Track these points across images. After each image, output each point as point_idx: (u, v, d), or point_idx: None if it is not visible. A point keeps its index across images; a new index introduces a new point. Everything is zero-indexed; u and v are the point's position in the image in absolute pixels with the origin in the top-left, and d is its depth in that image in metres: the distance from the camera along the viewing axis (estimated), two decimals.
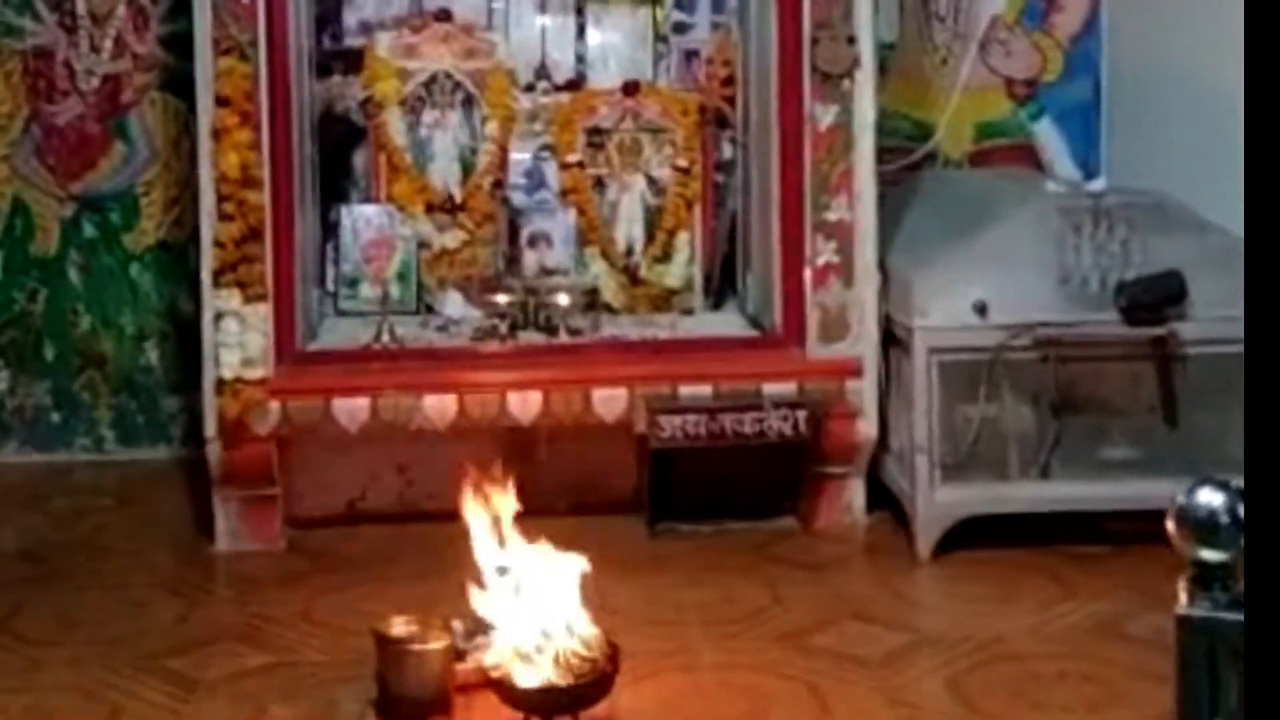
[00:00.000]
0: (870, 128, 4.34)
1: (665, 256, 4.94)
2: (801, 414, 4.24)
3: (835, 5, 4.29)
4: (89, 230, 5.21)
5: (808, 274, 4.34)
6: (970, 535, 4.15)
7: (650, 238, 4.96)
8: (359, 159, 5.03)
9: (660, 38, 5.18)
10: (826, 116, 4.31)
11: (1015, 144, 5.30)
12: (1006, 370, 4.11)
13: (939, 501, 4.14)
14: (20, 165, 5.16)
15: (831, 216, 4.33)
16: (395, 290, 4.85)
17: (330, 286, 4.90)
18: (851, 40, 4.29)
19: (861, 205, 4.33)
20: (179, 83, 4.90)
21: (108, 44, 5.16)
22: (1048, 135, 5.30)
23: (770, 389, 4.30)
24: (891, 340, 4.34)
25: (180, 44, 4.67)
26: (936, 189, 4.82)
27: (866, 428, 4.35)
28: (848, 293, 4.33)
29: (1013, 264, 4.10)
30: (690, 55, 5.17)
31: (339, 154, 5.02)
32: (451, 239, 4.93)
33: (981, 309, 4.08)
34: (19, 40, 5.12)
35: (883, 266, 4.36)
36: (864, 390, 4.32)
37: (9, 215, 5.17)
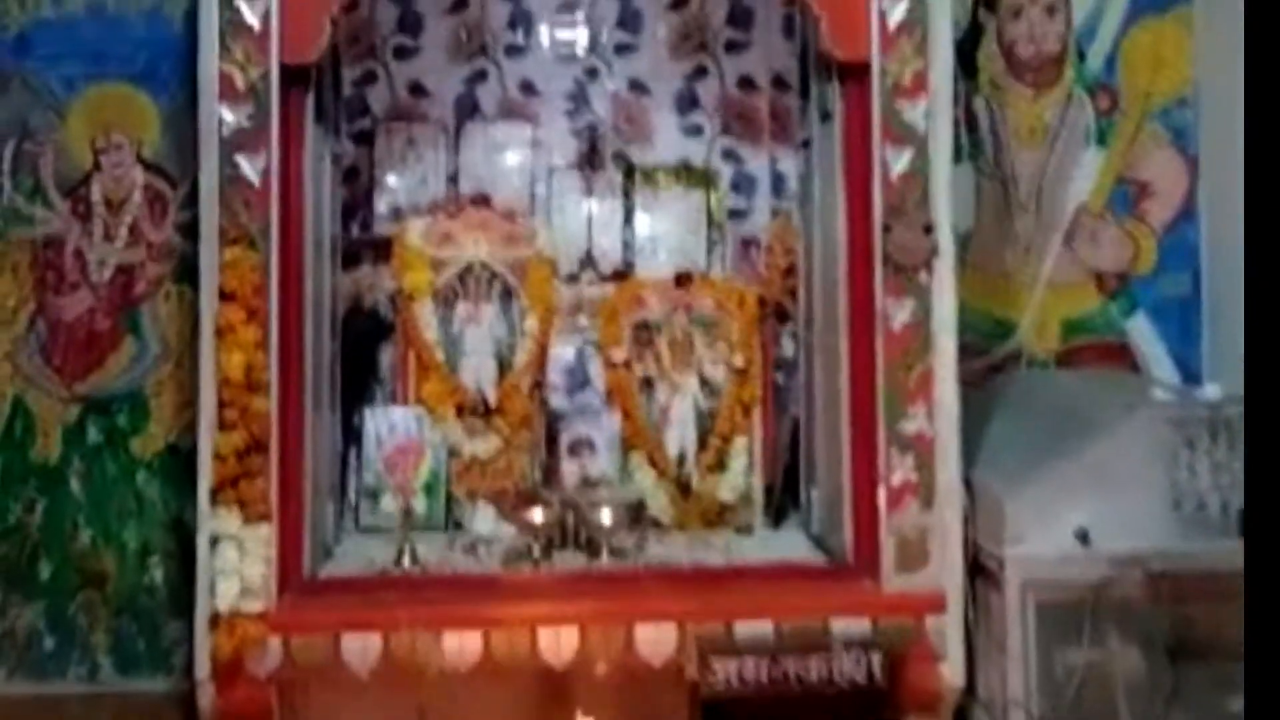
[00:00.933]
0: (951, 326, 3.76)
1: (720, 466, 4.42)
2: (875, 657, 3.59)
3: (910, 189, 3.75)
4: (93, 435, 4.72)
5: (882, 494, 3.73)
6: None
7: (703, 445, 4.44)
8: (386, 356, 4.59)
9: (715, 224, 4.72)
10: (901, 313, 3.74)
11: (1107, 342, 4.72)
12: (1113, 608, 3.47)
13: None
14: (23, 363, 4.69)
15: (909, 428, 3.73)
16: (421, 504, 4.33)
17: (351, 498, 4.37)
18: (929, 228, 3.74)
19: (942, 415, 3.73)
20: (197, 273, 4.37)
21: (123, 232, 4.72)
22: (1143, 333, 4.72)
23: (840, 626, 3.66)
24: (979, 571, 3.71)
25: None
26: (1023, 393, 4.23)
27: (950, 673, 3.68)
28: (928, 515, 3.71)
29: (1119, 484, 3.48)
30: (748, 243, 4.72)
31: (364, 351, 4.58)
32: (484, 446, 4.43)
33: (1084, 537, 3.47)
34: (28, 229, 4.69)
35: (967, 485, 3.75)
36: (947, 629, 3.67)
37: (9, 418, 4.68)
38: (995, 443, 3.88)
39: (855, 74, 3.83)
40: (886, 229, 3.75)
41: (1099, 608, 3.46)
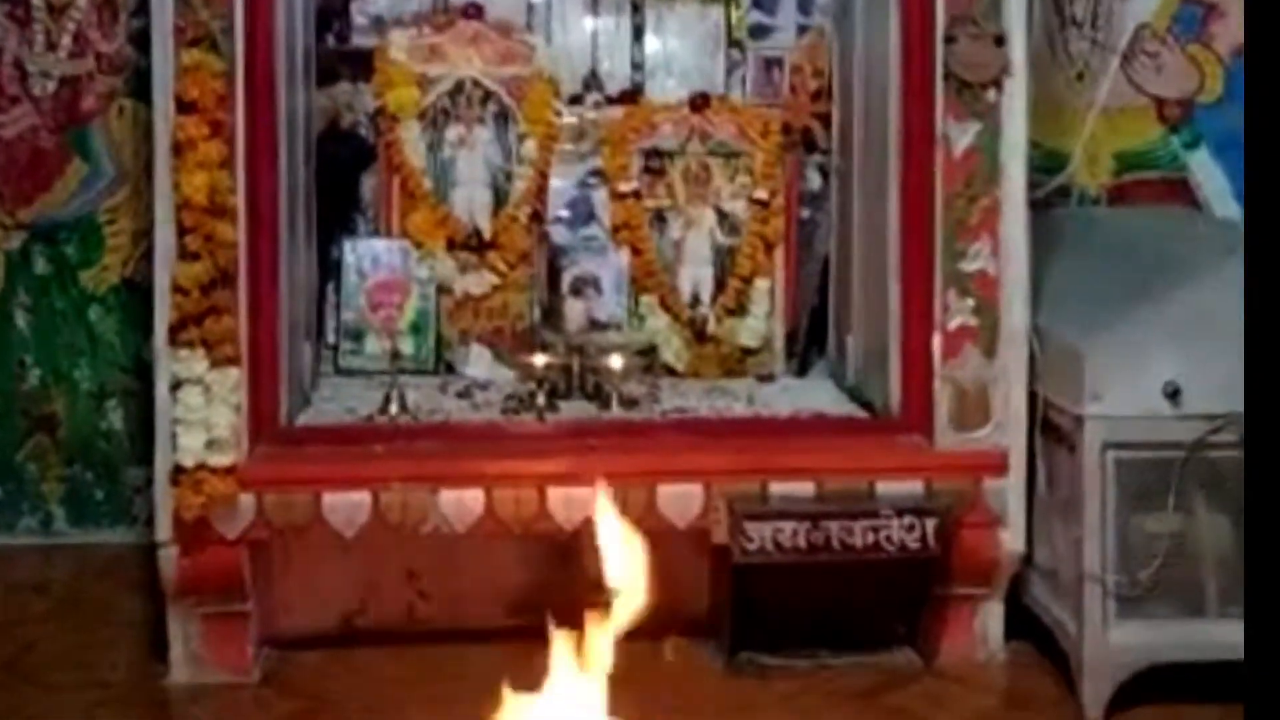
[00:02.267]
0: (1022, 152, 3.17)
1: (739, 309, 3.86)
2: (929, 522, 3.07)
3: None
4: (40, 265, 4.06)
5: (937, 340, 3.17)
6: (1155, 686, 2.99)
7: (721, 286, 3.86)
8: (368, 183, 3.97)
9: (734, 43, 4.08)
10: (964, 137, 3.14)
11: (1165, 177, 4.13)
12: (1204, 472, 2.95)
13: (1114, 644, 2.97)
14: None
15: (969, 267, 3.15)
16: (408, 345, 3.75)
17: (330, 339, 3.80)
18: (1000, 40, 3.13)
19: (1009, 253, 3.16)
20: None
21: (66, 40, 4.02)
22: (1205, 168, 4.12)
23: (887, 489, 3.13)
24: (1046, 429, 3.16)
25: None
26: (1080, 231, 3.66)
27: (1010, 540, 3.17)
28: (989, 366, 3.15)
29: (1214, 334, 2.90)
30: (771, 64, 4.06)
31: (343, 177, 3.94)
32: (478, 283, 3.86)
33: (1174, 393, 2.93)
34: None
35: (1035, 333, 3.20)
36: (1008, 492, 3.15)
37: None
38: (1058, 287, 3.31)
39: None
40: (950, 40, 3.13)
41: (1188, 471, 2.93)
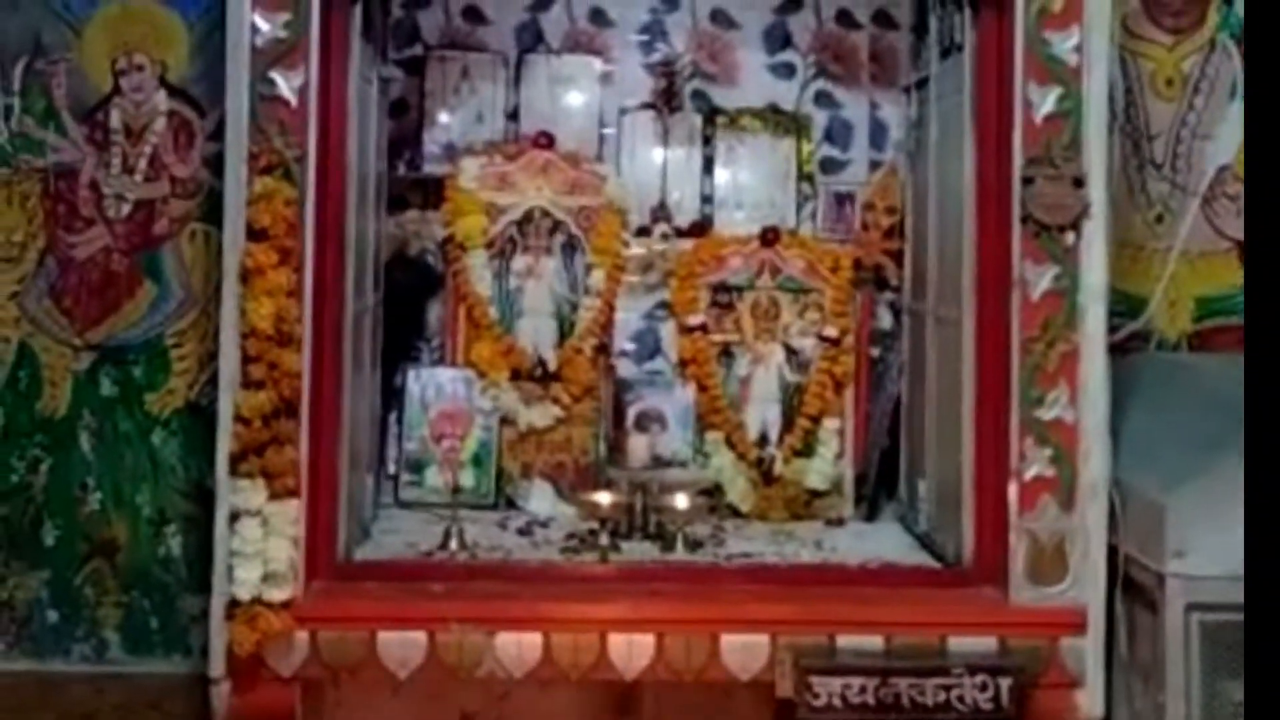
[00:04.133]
0: (1102, 296, 3.10)
1: (807, 450, 3.79)
2: (1003, 682, 2.95)
3: (1058, 133, 3.07)
4: (106, 387, 4.07)
5: (1013, 490, 3.07)
6: None
7: (789, 425, 3.79)
8: (433, 311, 3.97)
9: (805, 176, 4.05)
10: (1042, 280, 3.08)
11: None
12: None
13: None
14: (30, 306, 4.05)
15: (1046, 414, 3.06)
16: (469, 478, 3.71)
17: (391, 469, 3.75)
18: (1079, 182, 3.07)
19: (1088, 401, 3.07)
20: None
21: (143, 164, 4.06)
22: None
23: (960, 644, 3.02)
24: (1126, 587, 3.05)
25: None
26: (1159, 379, 3.56)
27: (1088, 703, 3.04)
28: (1067, 518, 3.05)
29: None
30: (843, 199, 4.03)
31: (409, 305, 3.94)
32: (541, 415, 3.83)
33: None
34: (38, 156, 4.04)
35: (1115, 485, 3.09)
36: (1086, 651, 3.03)
37: (13, 365, 4.04)
38: (1139, 437, 3.22)
39: (992, 0, 3.17)
40: (1028, 181, 3.08)
41: None
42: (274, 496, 3.03)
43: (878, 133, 4.04)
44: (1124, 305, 3.82)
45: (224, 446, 3.06)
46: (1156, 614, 2.90)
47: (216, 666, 3.04)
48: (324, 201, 3.14)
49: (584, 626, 3.03)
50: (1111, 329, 3.50)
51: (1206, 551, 2.85)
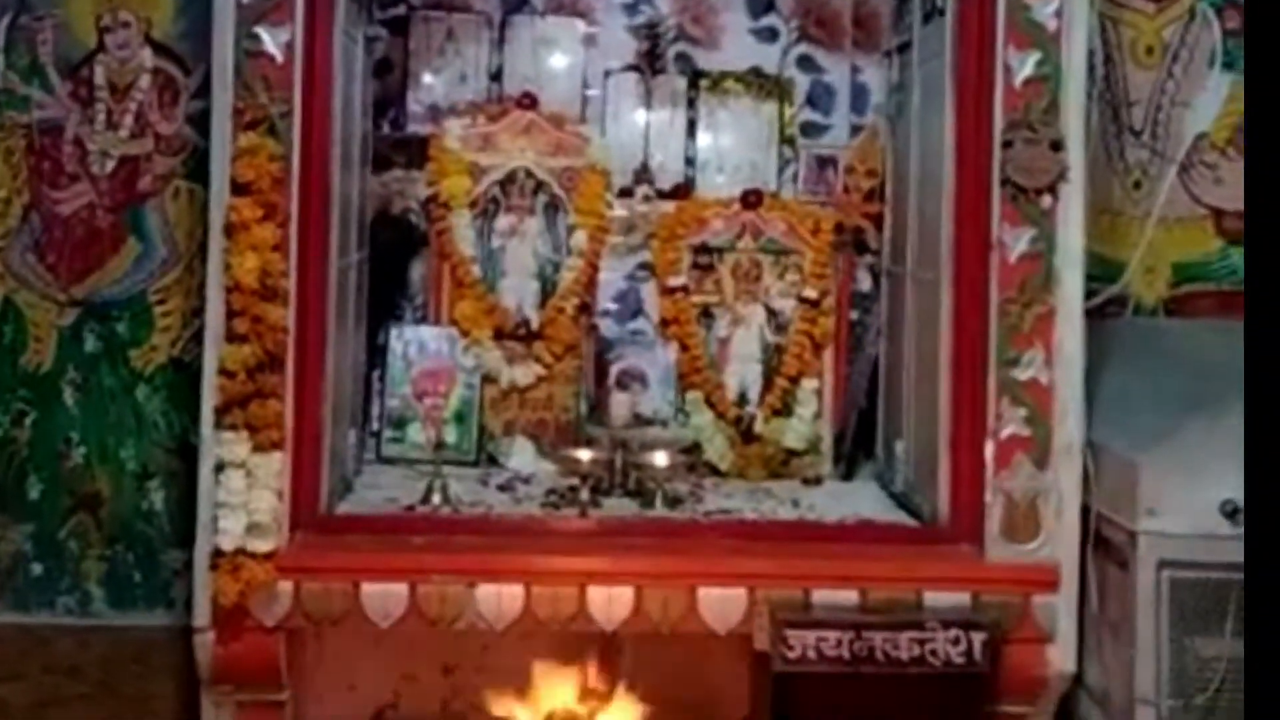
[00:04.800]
0: (1078, 260, 3.12)
1: (786, 409, 3.82)
2: (976, 637, 2.99)
3: (1037, 97, 3.10)
4: (91, 343, 4.04)
5: (989, 449, 3.10)
6: None
7: (768, 385, 3.81)
8: (417, 269, 3.97)
9: (787, 140, 4.07)
10: (1019, 243, 3.10)
11: (1224, 290, 4.03)
12: None
13: None
14: (14, 261, 4.02)
15: (1022, 375, 3.10)
16: (451, 434, 3.72)
17: (374, 425, 3.76)
18: (1057, 145, 3.10)
19: (1063, 362, 3.10)
20: (210, 171, 3.72)
21: (128, 120, 4.04)
22: None
23: (934, 599, 3.05)
24: (1099, 545, 3.09)
25: None
26: (1135, 344, 3.59)
27: (1060, 658, 3.07)
28: (1041, 477, 3.08)
29: None
30: (824, 162, 4.04)
31: (393, 262, 3.94)
32: (524, 374, 3.84)
33: (1233, 511, 2.85)
34: (22, 111, 4.01)
35: (1088, 445, 3.13)
36: (1058, 608, 3.07)
37: None
38: (1114, 399, 3.25)
39: None
40: (1007, 145, 3.10)
41: None
42: (258, 449, 3.05)
43: (859, 97, 4.05)
44: (1101, 270, 3.84)
45: (209, 399, 3.08)
46: (1128, 571, 2.95)
47: (201, 616, 3.06)
48: (309, 158, 3.15)
49: (564, 579, 3.06)
50: (1089, 294, 3.54)
51: (1177, 510, 2.89)
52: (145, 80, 4.06)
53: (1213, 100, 3.95)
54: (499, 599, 3.05)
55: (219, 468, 3.05)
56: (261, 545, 3.03)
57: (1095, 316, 3.67)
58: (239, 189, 3.08)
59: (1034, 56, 3.11)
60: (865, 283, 3.93)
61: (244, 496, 3.04)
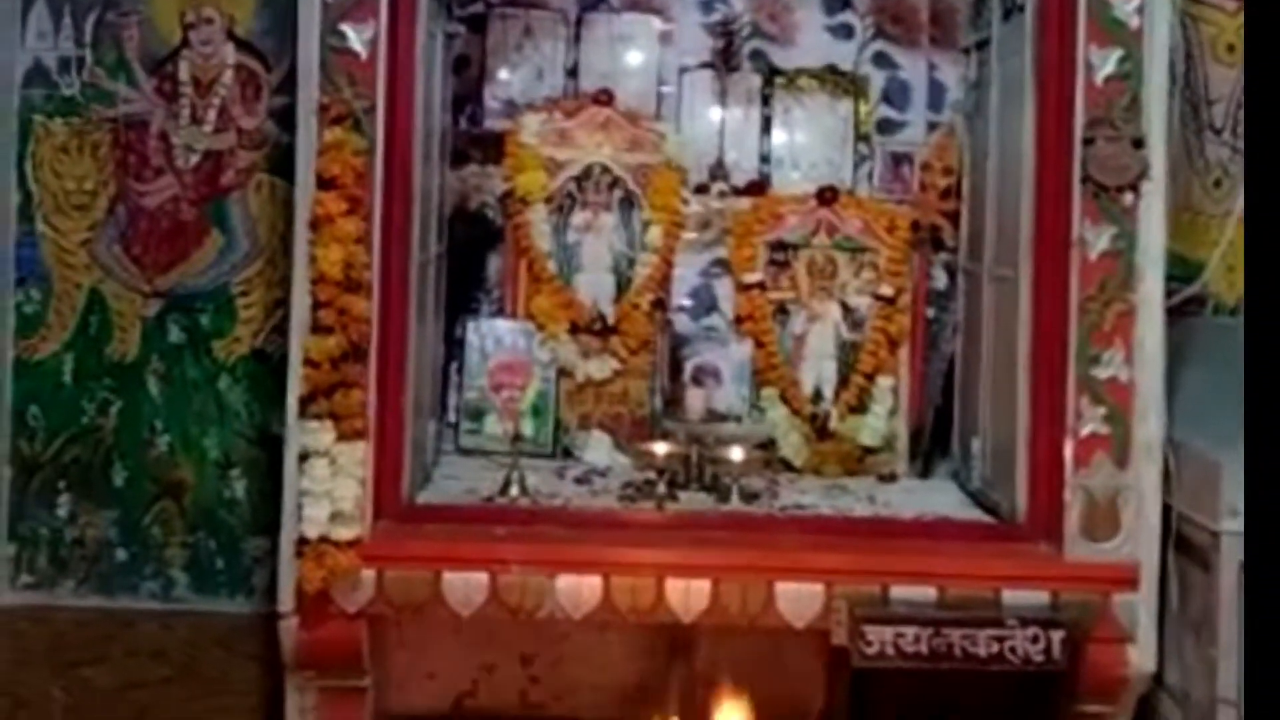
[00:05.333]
0: (1159, 258, 3.11)
1: (862, 406, 3.83)
2: (1055, 635, 2.98)
3: (1118, 94, 3.08)
4: (174, 334, 4.14)
5: (1068, 447, 3.09)
6: None
7: (844, 382, 3.84)
8: (493, 264, 4.01)
9: (863, 137, 4.06)
10: (1100, 240, 3.09)
11: None
12: None
13: None
14: (101, 253, 4.12)
15: (1102, 373, 3.08)
16: (528, 427, 3.74)
17: (451, 417, 3.81)
18: (1139, 143, 3.08)
19: (1144, 360, 3.08)
20: (292, 164, 3.62)
21: (211, 115, 4.12)
22: None
23: (1013, 597, 3.05)
24: (1180, 544, 3.07)
25: (296, 118, 3.54)
26: (1214, 343, 3.55)
27: (1140, 658, 3.06)
28: (1121, 475, 3.07)
29: None
30: (900, 159, 4.04)
31: (470, 257, 3.98)
32: (599, 368, 3.86)
33: None
34: (109, 106, 4.11)
35: (1169, 444, 3.11)
36: (1139, 607, 3.05)
37: (84, 311, 4.12)
38: (1194, 398, 3.23)
39: None
40: (1088, 142, 3.09)
41: None
42: (342, 438, 3.09)
43: (935, 94, 4.03)
44: (1180, 269, 3.81)
45: (294, 389, 3.12)
46: (1209, 571, 2.93)
47: (285, 602, 3.10)
48: (391, 152, 3.18)
49: (642, 571, 3.08)
50: (1168, 293, 3.53)
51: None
52: (228, 76, 4.13)
53: None
54: (578, 589, 3.08)
55: (304, 456, 3.09)
56: (345, 533, 3.07)
57: (1174, 315, 3.66)
58: (324, 183, 3.12)
59: (1115, 54, 3.09)
60: (941, 280, 3.91)
61: (328, 485, 3.08)
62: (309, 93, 3.14)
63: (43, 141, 4.09)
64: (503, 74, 4.09)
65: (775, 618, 3.06)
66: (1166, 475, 3.08)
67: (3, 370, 4.10)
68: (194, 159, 4.14)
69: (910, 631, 2.98)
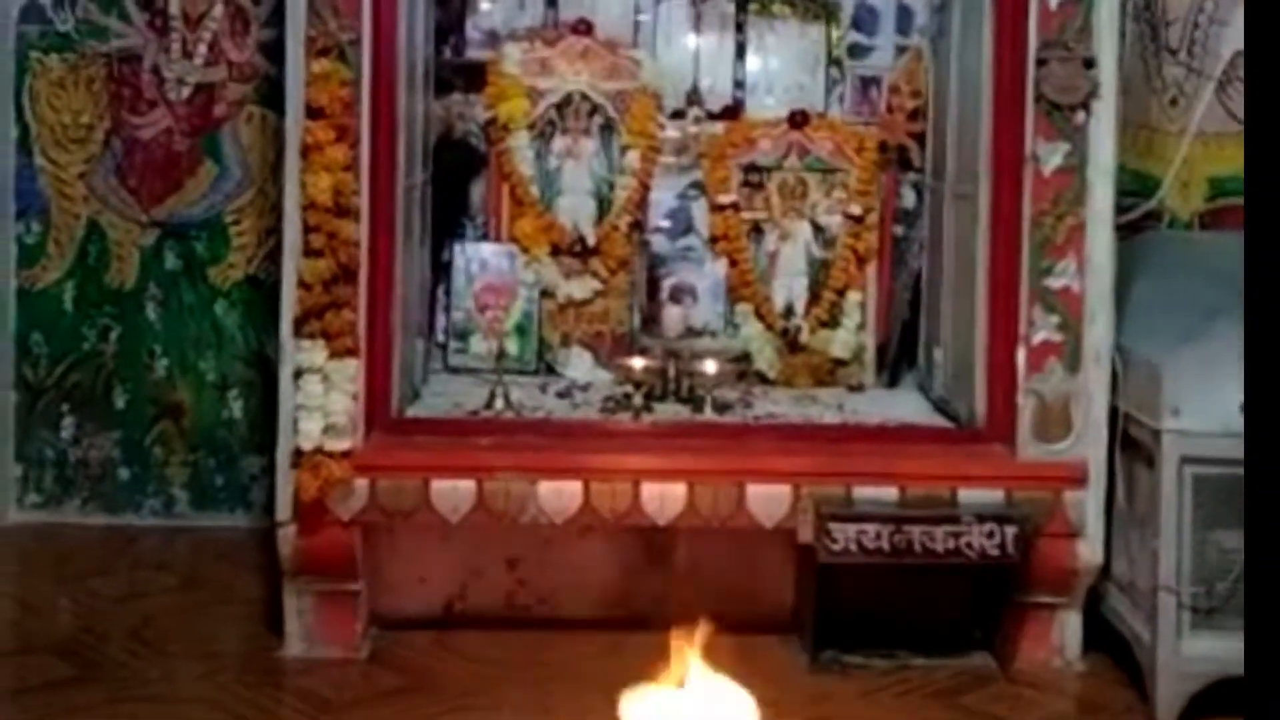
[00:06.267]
0: (1110, 173, 3.27)
1: (832, 321, 4.00)
2: (1009, 530, 3.17)
3: (1071, 17, 3.23)
4: (171, 261, 4.31)
5: (1021, 354, 3.28)
6: (1226, 697, 3.04)
7: (815, 297, 4.01)
8: (477, 189, 4.15)
9: (834, 61, 4.21)
10: (1054, 157, 3.25)
11: None
12: None
13: (1187, 655, 3.06)
14: (98, 184, 4.28)
15: (1054, 283, 3.26)
16: (513, 346, 3.92)
17: (439, 337, 3.98)
18: (1089, 64, 3.23)
19: (1094, 271, 3.26)
20: (281, 96, 3.77)
21: (202, 49, 4.26)
22: None
23: (969, 496, 3.24)
24: (1126, 443, 3.26)
25: (284, 51, 3.63)
26: (1168, 255, 3.73)
27: (1088, 551, 3.26)
28: (1072, 380, 3.25)
29: None
30: (869, 83, 4.19)
31: (455, 183, 4.13)
32: (580, 288, 4.02)
33: None
34: (103, 41, 4.25)
35: (1117, 350, 3.29)
36: (1087, 504, 3.24)
37: (83, 241, 4.29)
38: (1143, 306, 3.40)
39: None
40: (1041, 63, 3.24)
41: None
42: (334, 355, 3.26)
43: (904, 19, 4.15)
44: (1138, 185, 3.99)
45: (288, 310, 3.28)
46: (1153, 468, 3.11)
47: (283, 511, 3.29)
48: (377, 83, 3.33)
49: (620, 476, 3.27)
50: (1126, 208, 3.70)
51: (1200, 410, 3.04)
52: (218, 10, 4.27)
53: None
54: (559, 495, 3.27)
55: (298, 374, 3.26)
56: (338, 445, 3.26)
57: (1131, 230, 3.84)
58: (312, 113, 3.27)
59: None
60: (910, 200, 4.07)
61: (321, 400, 3.26)
62: (296, 26, 3.28)
63: (39, 77, 4.24)
64: (484, 5, 4.21)
65: (746, 518, 3.26)
66: (1114, 379, 3.27)
67: (6, 299, 4.27)
68: (186, 92, 4.28)
69: (872, 529, 3.17)
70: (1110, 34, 3.25)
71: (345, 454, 3.26)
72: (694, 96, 4.17)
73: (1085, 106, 3.25)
